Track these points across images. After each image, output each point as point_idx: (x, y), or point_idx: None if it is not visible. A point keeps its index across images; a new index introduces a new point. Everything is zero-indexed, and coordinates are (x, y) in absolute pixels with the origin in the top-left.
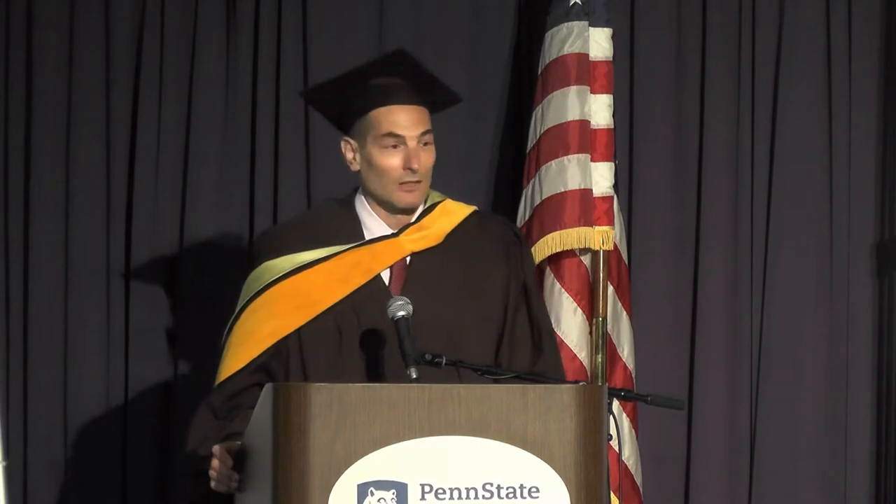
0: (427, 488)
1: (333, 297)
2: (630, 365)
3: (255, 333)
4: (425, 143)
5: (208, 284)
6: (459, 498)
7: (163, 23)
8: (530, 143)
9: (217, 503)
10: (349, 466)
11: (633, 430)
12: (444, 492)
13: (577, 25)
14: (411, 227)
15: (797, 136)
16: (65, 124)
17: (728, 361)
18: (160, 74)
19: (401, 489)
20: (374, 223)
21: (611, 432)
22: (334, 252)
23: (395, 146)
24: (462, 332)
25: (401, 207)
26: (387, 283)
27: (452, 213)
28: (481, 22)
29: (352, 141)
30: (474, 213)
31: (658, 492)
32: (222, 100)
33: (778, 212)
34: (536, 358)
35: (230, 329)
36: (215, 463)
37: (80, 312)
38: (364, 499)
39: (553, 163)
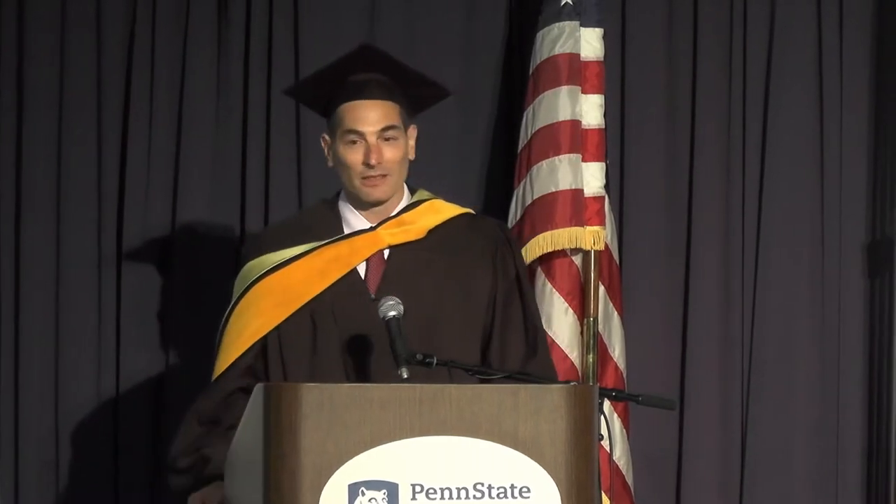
0: (418, 488)
1: (312, 291)
2: (621, 365)
3: (241, 333)
4: (388, 139)
5: (199, 281)
6: (450, 498)
7: (154, 24)
8: (521, 143)
9: None
10: (340, 466)
11: (624, 430)
12: (435, 492)
13: (568, 25)
14: (391, 221)
15: (789, 137)
16: (57, 122)
17: (719, 361)
18: (151, 75)
19: (392, 489)
20: (354, 218)
21: (602, 432)
22: (313, 247)
23: (355, 142)
24: (442, 328)
25: (367, 202)
26: (363, 276)
27: (440, 211)
28: (473, 22)
29: (327, 137)
30: (466, 214)
31: (649, 492)
32: (213, 99)
33: (769, 212)
34: (530, 359)
35: (222, 330)
36: None
37: (71, 308)
38: (355, 499)
39: (544, 163)
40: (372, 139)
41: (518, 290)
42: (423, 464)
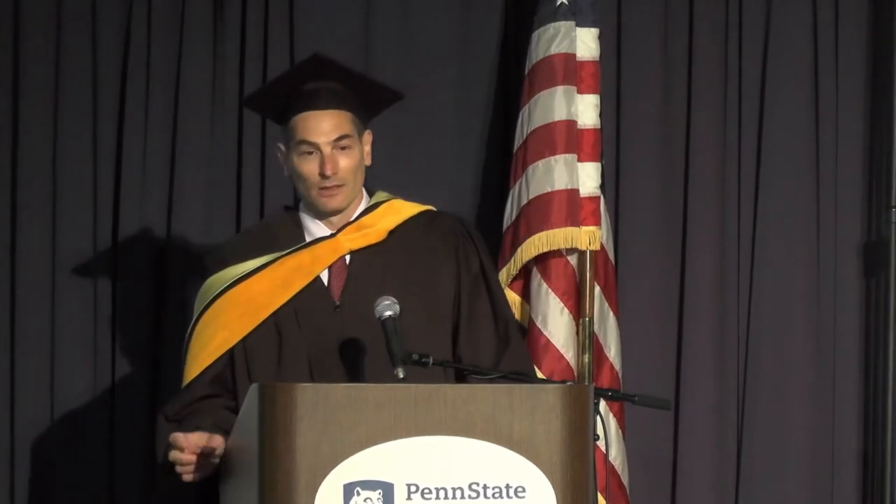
0: (413, 488)
1: (276, 302)
2: (617, 365)
3: (206, 346)
4: (342, 148)
5: (195, 284)
6: (446, 498)
7: (149, 24)
8: (517, 143)
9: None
10: (335, 466)
11: (619, 430)
12: (431, 491)
13: (563, 25)
14: (350, 227)
15: (784, 137)
16: (52, 125)
17: (715, 361)
18: (147, 77)
19: (387, 489)
20: (314, 226)
21: (597, 432)
22: (275, 258)
23: (310, 153)
24: (409, 328)
25: (324, 211)
26: (326, 284)
27: (399, 211)
28: (468, 22)
29: (281, 147)
30: (426, 211)
31: (645, 492)
32: (209, 102)
33: (765, 212)
34: (503, 350)
35: (186, 344)
36: (175, 454)
37: (67, 310)
38: (350, 499)
39: (540, 163)
40: (326, 149)
41: (484, 282)
42: (418, 464)
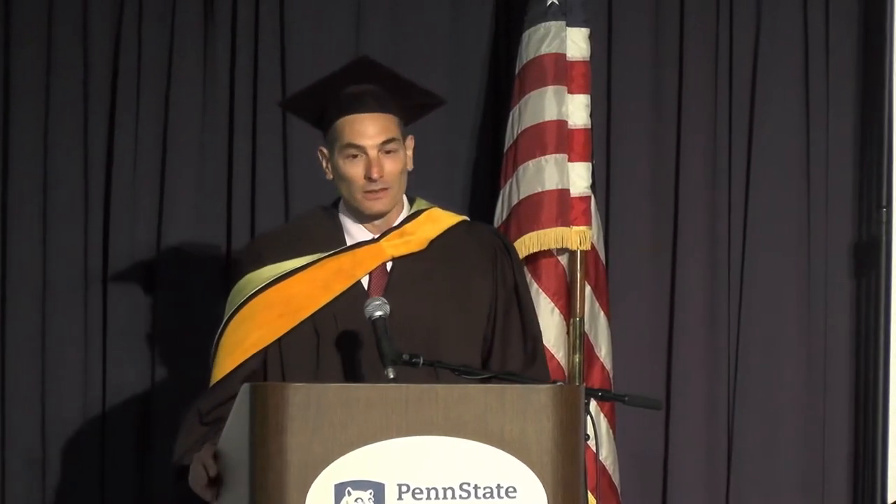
0: (404, 488)
1: (315, 304)
2: (607, 365)
3: (241, 344)
4: (388, 151)
5: (186, 288)
6: (436, 498)
7: (140, 26)
8: (507, 143)
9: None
10: (326, 466)
11: (610, 430)
12: (422, 492)
13: (554, 25)
14: (393, 233)
15: (775, 137)
16: (42, 129)
17: (706, 361)
18: (137, 79)
19: (378, 489)
20: (355, 229)
21: (588, 432)
22: (316, 259)
23: (356, 156)
24: (444, 338)
25: (368, 214)
26: (366, 288)
27: (439, 220)
28: (459, 22)
29: (324, 150)
30: (463, 221)
31: (635, 491)
32: (199, 103)
33: (756, 212)
34: (529, 367)
35: (217, 341)
36: (199, 469)
37: (57, 315)
38: (341, 499)
39: (530, 163)
40: (373, 153)
41: (516, 299)
42: (409, 464)
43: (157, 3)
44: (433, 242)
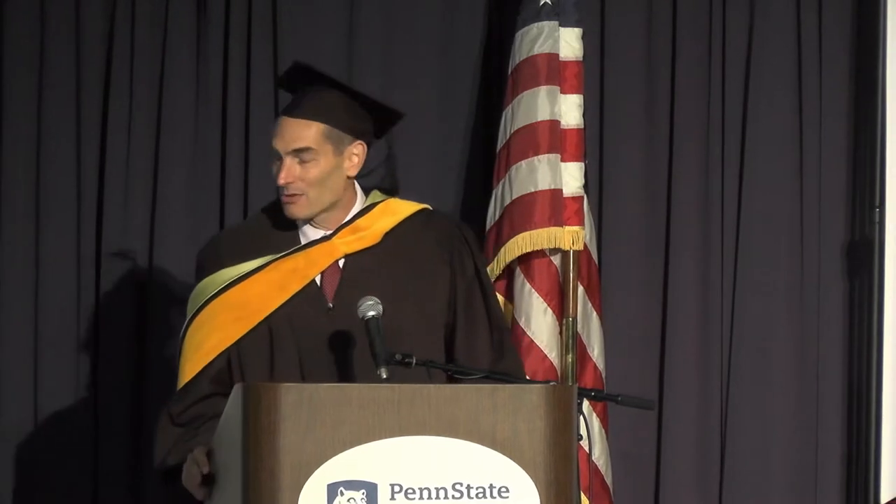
0: (397, 488)
1: (271, 305)
2: (600, 365)
3: (201, 347)
4: (301, 161)
5: (179, 284)
6: (429, 498)
7: (133, 24)
8: (500, 143)
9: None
10: (319, 466)
11: (603, 430)
12: (414, 492)
13: (547, 25)
14: (345, 229)
15: (768, 137)
16: (35, 125)
17: (698, 362)
18: (130, 74)
19: (370, 489)
20: (308, 228)
21: (581, 432)
22: (271, 260)
23: (278, 158)
24: (402, 333)
25: (288, 217)
26: (320, 286)
27: (396, 212)
28: (452, 22)
29: None
30: (422, 210)
31: (628, 491)
32: (193, 98)
33: (749, 211)
34: (498, 360)
35: (180, 345)
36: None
37: (50, 312)
38: (334, 499)
39: (523, 163)
40: (286, 158)
41: (479, 288)
42: (401, 464)
43: (150, 1)
44: (388, 235)
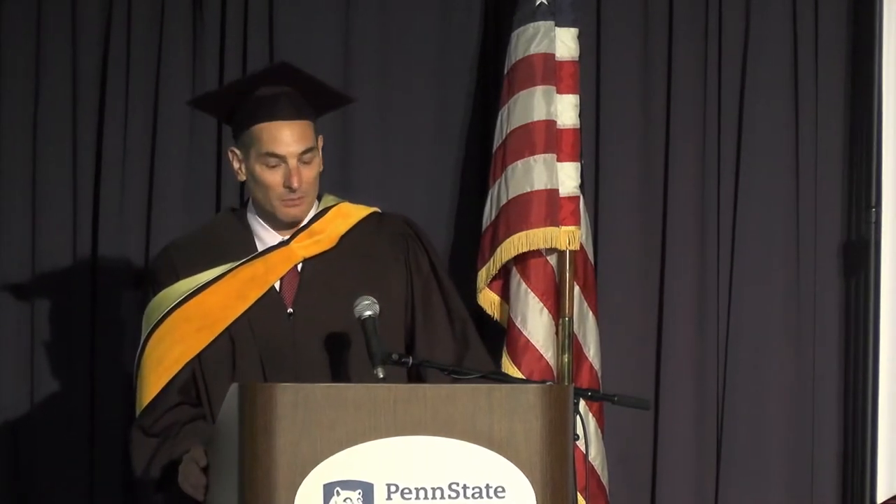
0: (393, 488)
1: (232, 314)
2: (596, 365)
3: (163, 360)
4: (305, 162)
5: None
6: (425, 498)
7: (129, 28)
8: (496, 143)
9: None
10: (315, 466)
11: (599, 430)
12: (410, 492)
13: (543, 25)
14: (302, 234)
15: (764, 137)
16: (31, 125)
17: (695, 362)
18: (126, 78)
19: (367, 489)
20: (265, 233)
21: (577, 432)
22: (229, 269)
23: (275, 164)
24: (362, 334)
25: (285, 221)
26: (279, 291)
27: (349, 215)
28: (448, 22)
29: (237, 152)
30: (373, 213)
31: (624, 491)
32: (188, 99)
33: (745, 211)
34: (463, 352)
35: (139, 359)
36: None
37: (45, 311)
38: (330, 499)
39: (519, 163)
40: (292, 162)
41: (436, 281)
42: (398, 464)
43: (146, 1)
44: (344, 238)
